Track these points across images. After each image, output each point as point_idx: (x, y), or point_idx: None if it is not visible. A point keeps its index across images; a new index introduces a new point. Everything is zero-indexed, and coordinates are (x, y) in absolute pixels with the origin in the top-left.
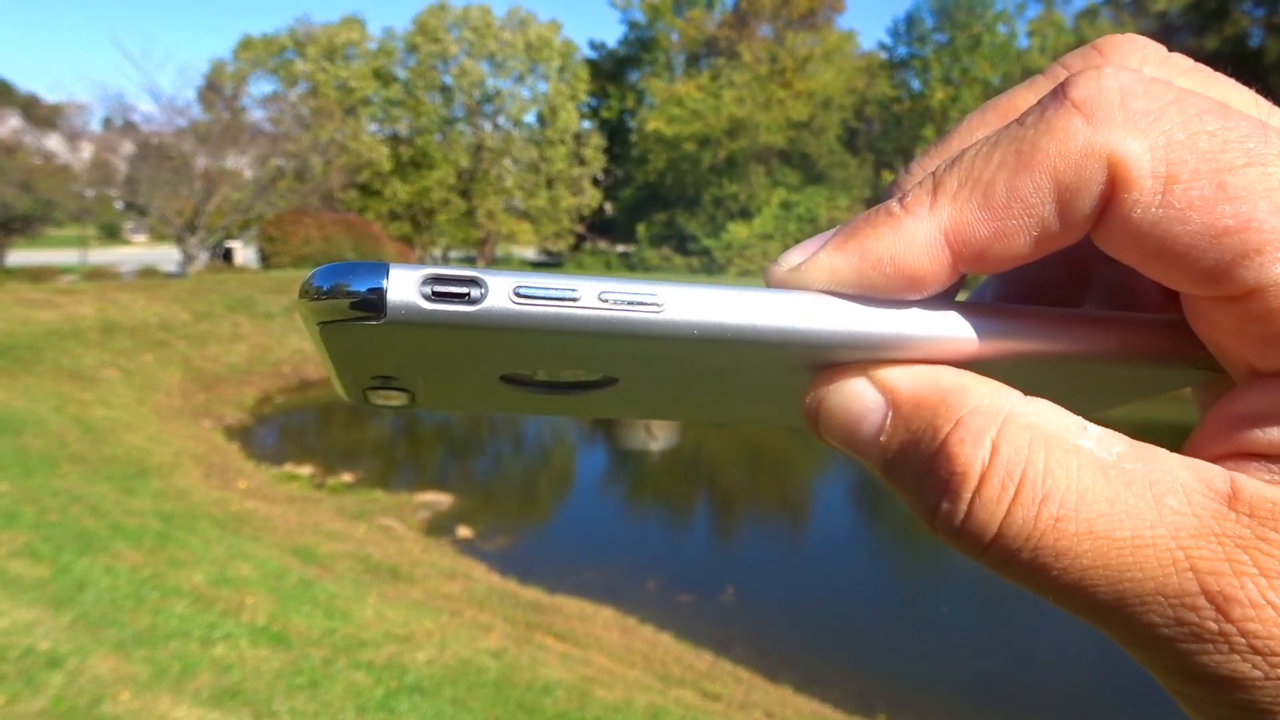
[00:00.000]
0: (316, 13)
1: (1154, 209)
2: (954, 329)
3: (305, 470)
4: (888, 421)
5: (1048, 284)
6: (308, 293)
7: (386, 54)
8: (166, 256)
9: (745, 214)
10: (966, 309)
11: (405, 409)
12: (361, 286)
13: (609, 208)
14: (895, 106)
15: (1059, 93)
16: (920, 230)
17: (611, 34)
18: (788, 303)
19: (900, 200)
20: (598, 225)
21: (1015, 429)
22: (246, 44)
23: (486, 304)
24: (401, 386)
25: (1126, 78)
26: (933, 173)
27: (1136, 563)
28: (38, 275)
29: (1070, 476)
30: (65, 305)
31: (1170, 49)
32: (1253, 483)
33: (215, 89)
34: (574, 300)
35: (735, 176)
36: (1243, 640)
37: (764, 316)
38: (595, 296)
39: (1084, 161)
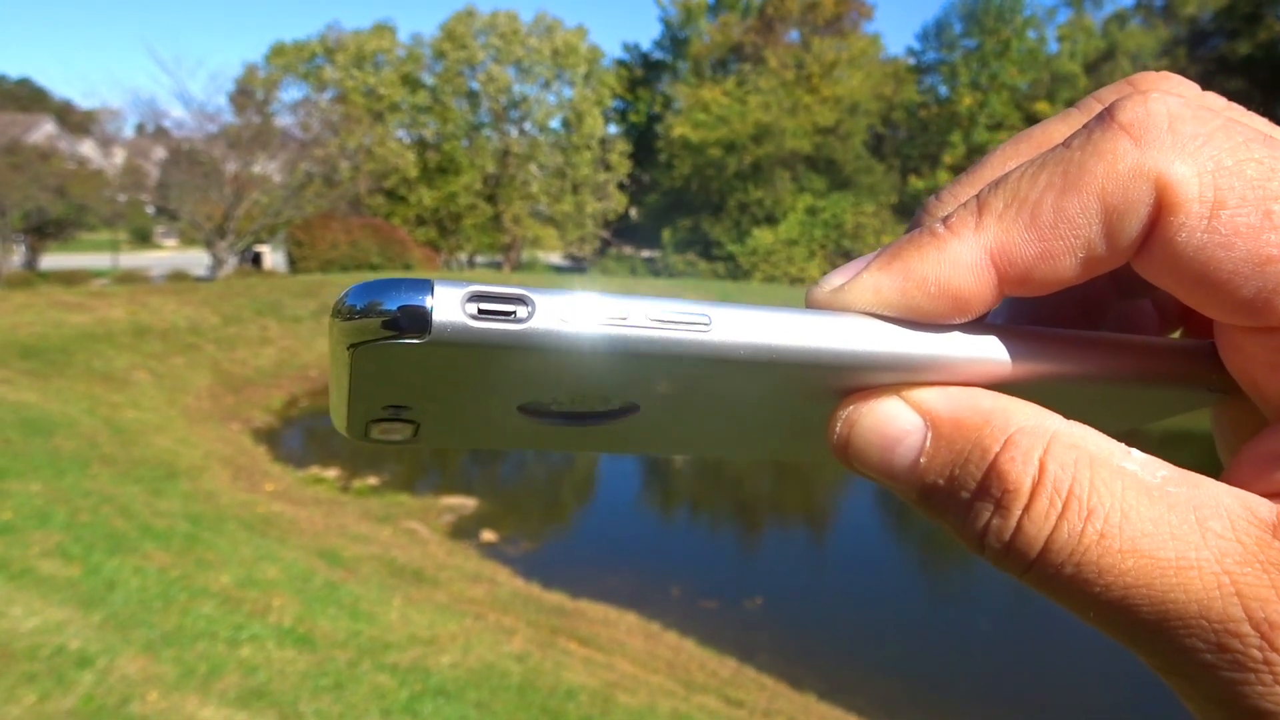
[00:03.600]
0: (347, 19)
1: (1200, 234)
2: (989, 350)
3: (331, 473)
4: (928, 443)
5: (1055, 318)
6: (340, 312)
7: (415, 60)
8: (196, 260)
9: (771, 219)
10: (998, 331)
11: (405, 444)
12: (403, 303)
13: (634, 213)
14: (922, 112)
15: (1105, 116)
16: (965, 250)
17: (644, 36)
18: (832, 324)
19: (945, 221)
20: (623, 230)
21: (1062, 448)
22: (279, 50)
23: (533, 323)
24: (411, 418)
25: (1174, 103)
26: (977, 195)
27: (1180, 584)
28: (70, 279)
29: (1115, 496)
30: (97, 308)
31: (1202, 54)
32: None
33: (247, 94)
34: (623, 321)
35: (761, 182)
36: None
37: (809, 337)
38: (644, 317)
39: (1132, 183)
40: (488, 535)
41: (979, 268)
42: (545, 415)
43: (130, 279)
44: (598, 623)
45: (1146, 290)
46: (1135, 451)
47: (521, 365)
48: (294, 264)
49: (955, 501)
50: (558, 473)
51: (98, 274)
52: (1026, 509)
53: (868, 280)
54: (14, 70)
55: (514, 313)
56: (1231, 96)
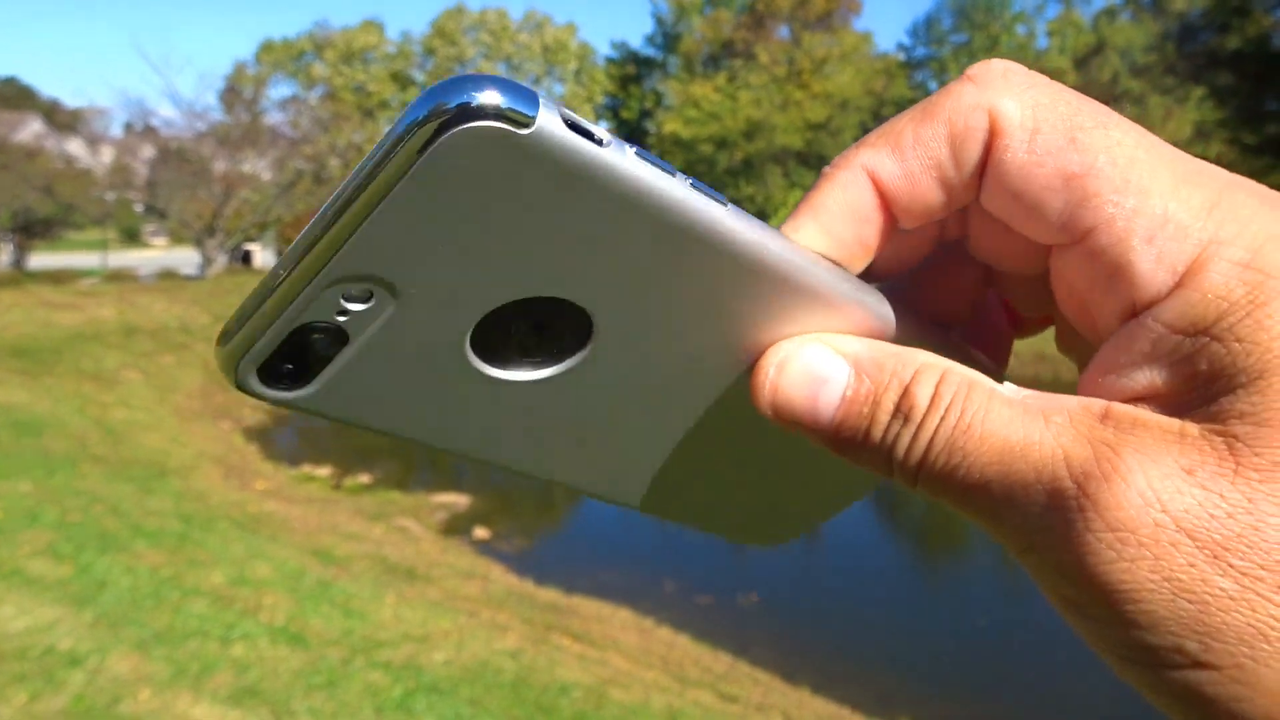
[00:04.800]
0: (335, 17)
1: (1022, 154)
2: (885, 309)
3: (323, 471)
4: (851, 379)
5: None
6: (455, 96)
7: (404, 57)
8: (186, 259)
9: (762, 216)
10: (890, 296)
11: (292, 399)
12: (513, 96)
13: None
14: None
15: (960, 74)
16: (849, 174)
17: (634, 34)
18: (799, 254)
19: (832, 163)
20: None
21: (952, 376)
22: (267, 47)
23: (609, 152)
24: (366, 300)
25: (1012, 64)
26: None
27: (1024, 457)
28: (59, 278)
29: (983, 402)
30: (86, 308)
31: (1191, 49)
32: (1123, 405)
33: (236, 92)
34: (670, 174)
35: (752, 178)
36: (1096, 514)
37: (782, 251)
38: (686, 180)
39: (972, 113)
40: (480, 532)
41: (862, 184)
42: (502, 354)
43: (119, 278)
44: (591, 619)
45: (995, 281)
46: (1008, 384)
47: (567, 200)
48: None
49: (875, 426)
50: None
51: (86, 273)
52: (924, 419)
53: (790, 224)
54: (0, 69)
55: (598, 138)
56: (1221, 91)
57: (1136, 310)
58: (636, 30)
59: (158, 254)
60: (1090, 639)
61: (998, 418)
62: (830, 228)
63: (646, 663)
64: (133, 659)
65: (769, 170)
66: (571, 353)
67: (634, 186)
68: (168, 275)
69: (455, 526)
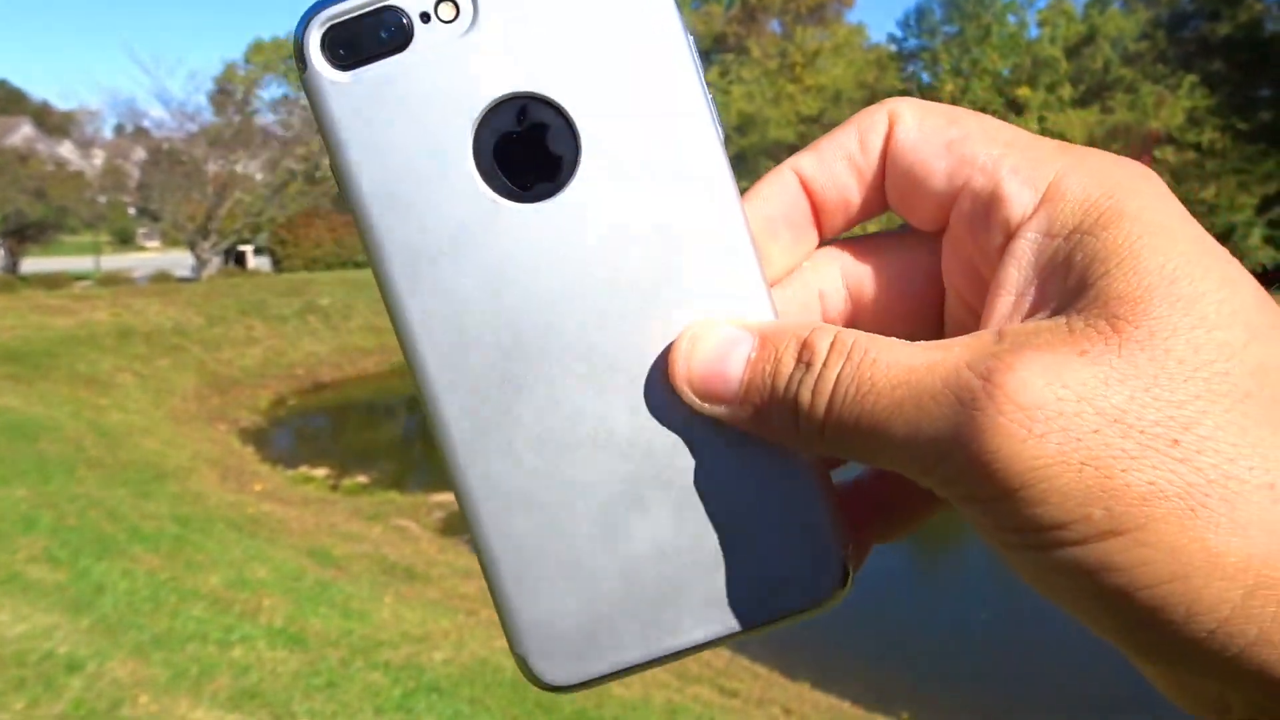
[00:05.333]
0: None
1: (913, 133)
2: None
3: (320, 472)
4: (755, 342)
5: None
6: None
7: None
8: (179, 261)
9: None
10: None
11: (329, 79)
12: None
13: None
14: None
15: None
16: (777, 174)
17: None
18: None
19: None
20: None
21: (846, 332)
22: (257, 48)
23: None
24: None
25: (911, 98)
26: None
27: (930, 373)
28: (52, 282)
29: (884, 344)
30: (80, 311)
31: (1182, 36)
32: (1015, 325)
33: (227, 92)
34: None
35: (745, 172)
36: (1004, 398)
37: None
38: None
39: (875, 113)
40: None
41: (789, 179)
42: (499, 176)
43: (113, 281)
44: None
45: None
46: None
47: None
48: (278, 263)
49: (779, 379)
50: None
51: (80, 277)
52: (826, 361)
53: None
54: None
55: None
56: (1213, 78)
57: (1013, 233)
58: None
59: (151, 256)
60: (997, 531)
61: (900, 351)
62: (762, 210)
63: None
64: (131, 663)
65: (762, 164)
66: (562, 182)
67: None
68: (161, 277)
69: (453, 525)
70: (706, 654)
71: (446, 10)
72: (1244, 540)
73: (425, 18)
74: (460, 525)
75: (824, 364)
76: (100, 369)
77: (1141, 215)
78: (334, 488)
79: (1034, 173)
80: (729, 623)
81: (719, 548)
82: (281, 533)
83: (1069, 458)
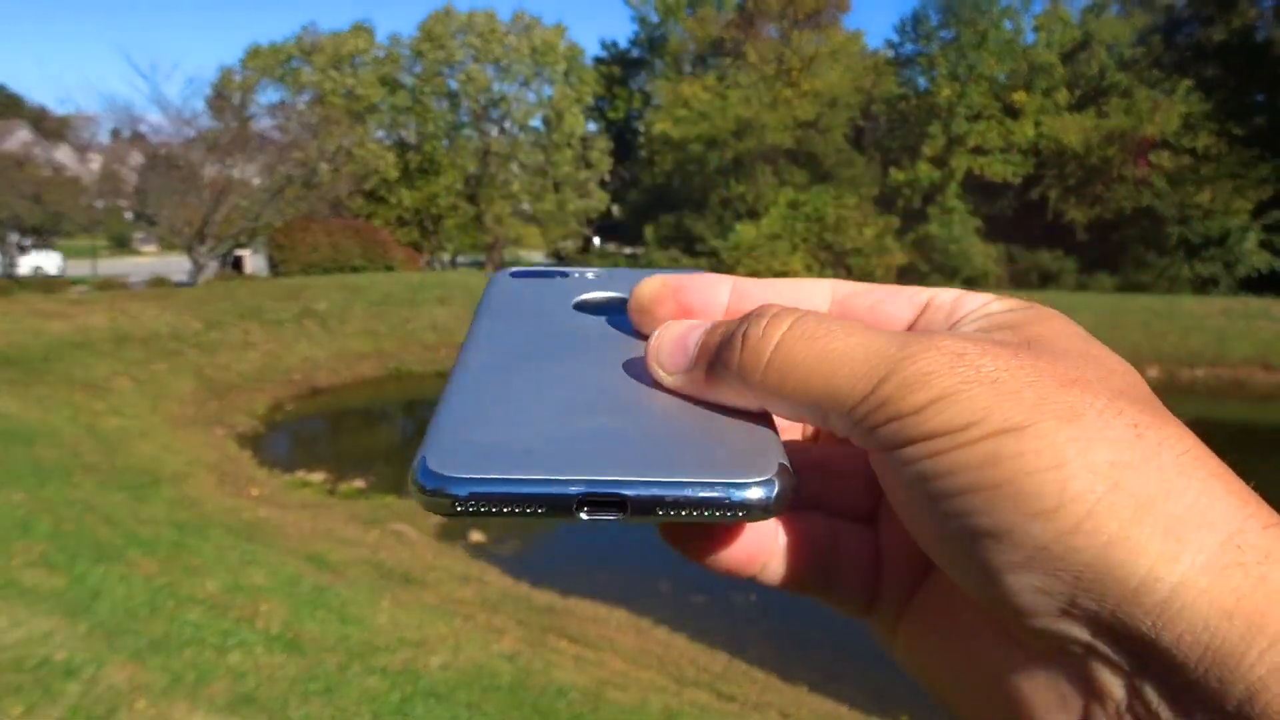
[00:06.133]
0: (324, 21)
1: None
2: None
3: (317, 477)
4: (709, 327)
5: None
6: None
7: (393, 61)
8: (176, 266)
9: (753, 214)
10: None
11: None
12: None
13: (616, 210)
14: (902, 104)
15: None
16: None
17: (622, 34)
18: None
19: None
20: (605, 228)
21: (790, 307)
22: (254, 53)
23: None
24: None
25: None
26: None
27: (854, 335)
28: (49, 286)
29: (819, 317)
30: (77, 316)
31: (1177, 42)
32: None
33: (224, 97)
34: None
35: (742, 177)
36: (920, 344)
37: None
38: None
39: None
40: (476, 535)
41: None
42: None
43: (110, 286)
44: (588, 620)
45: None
46: None
47: None
48: (275, 267)
49: (734, 335)
50: None
51: (77, 281)
52: (773, 319)
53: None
54: None
55: None
56: (1208, 83)
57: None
58: (624, 30)
59: (148, 261)
60: (865, 428)
61: (832, 321)
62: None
63: (643, 663)
64: (129, 669)
65: (759, 169)
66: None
67: None
68: (158, 282)
69: (450, 530)
70: (704, 658)
71: (585, 271)
72: (1109, 448)
73: (565, 275)
74: (456, 529)
75: (769, 323)
76: (97, 373)
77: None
78: (331, 492)
79: None
80: (646, 476)
81: (659, 434)
82: (278, 537)
83: (975, 379)
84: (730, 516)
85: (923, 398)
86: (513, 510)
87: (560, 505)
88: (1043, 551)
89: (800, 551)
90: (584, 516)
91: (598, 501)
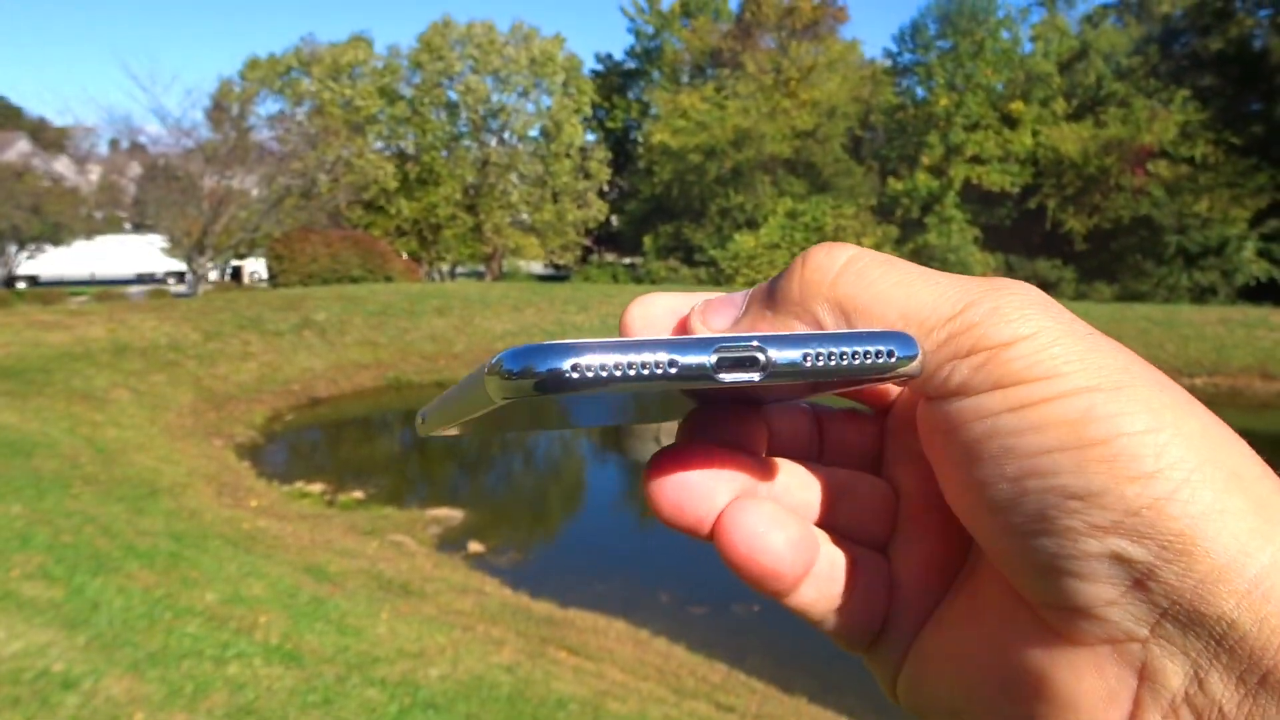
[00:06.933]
0: (322, 33)
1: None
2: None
3: (316, 487)
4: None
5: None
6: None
7: (392, 72)
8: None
9: (752, 224)
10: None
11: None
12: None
13: (615, 220)
14: (900, 114)
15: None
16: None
17: (618, 46)
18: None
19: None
20: (604, 238)
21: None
22: (253, 64)
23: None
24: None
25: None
26: None
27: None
28: (48, 297)
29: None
30: (76, 327)
31: (1174, 51)
32: None
33: (222, 109)
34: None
35: (741, 187)
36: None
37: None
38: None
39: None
40: (475, 546)
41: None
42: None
43: (109, 296)
44: (587, 631)
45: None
46: None
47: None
48: (274, 277)
49: (786, 272)
50: (544, 482)
51: (76, 292)
52: (837, 245)
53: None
54: None
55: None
56: (1205, 92)
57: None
58: (620, 41)
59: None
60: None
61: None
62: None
63: (643, 674)
64: (127, 681)
65: (758, 179)
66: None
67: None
68: (157, 293)
69: (449, 541)
70: (703, 669)
71: None
72: (1198, 419)
73: None
74: (456, 540)
75: (830, 247)
76: (96, 385)
77: None
78: (330, 503)
79: None
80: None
81: None
82: (277, 548)
83: (1069, 329)
84: (885, 366)
85: (1013, 331)
86: (637, 375)
87: (693, 363)
88: (1133, 517)
89: (859, 585)
90: (723, 378)
91: (735, 360)
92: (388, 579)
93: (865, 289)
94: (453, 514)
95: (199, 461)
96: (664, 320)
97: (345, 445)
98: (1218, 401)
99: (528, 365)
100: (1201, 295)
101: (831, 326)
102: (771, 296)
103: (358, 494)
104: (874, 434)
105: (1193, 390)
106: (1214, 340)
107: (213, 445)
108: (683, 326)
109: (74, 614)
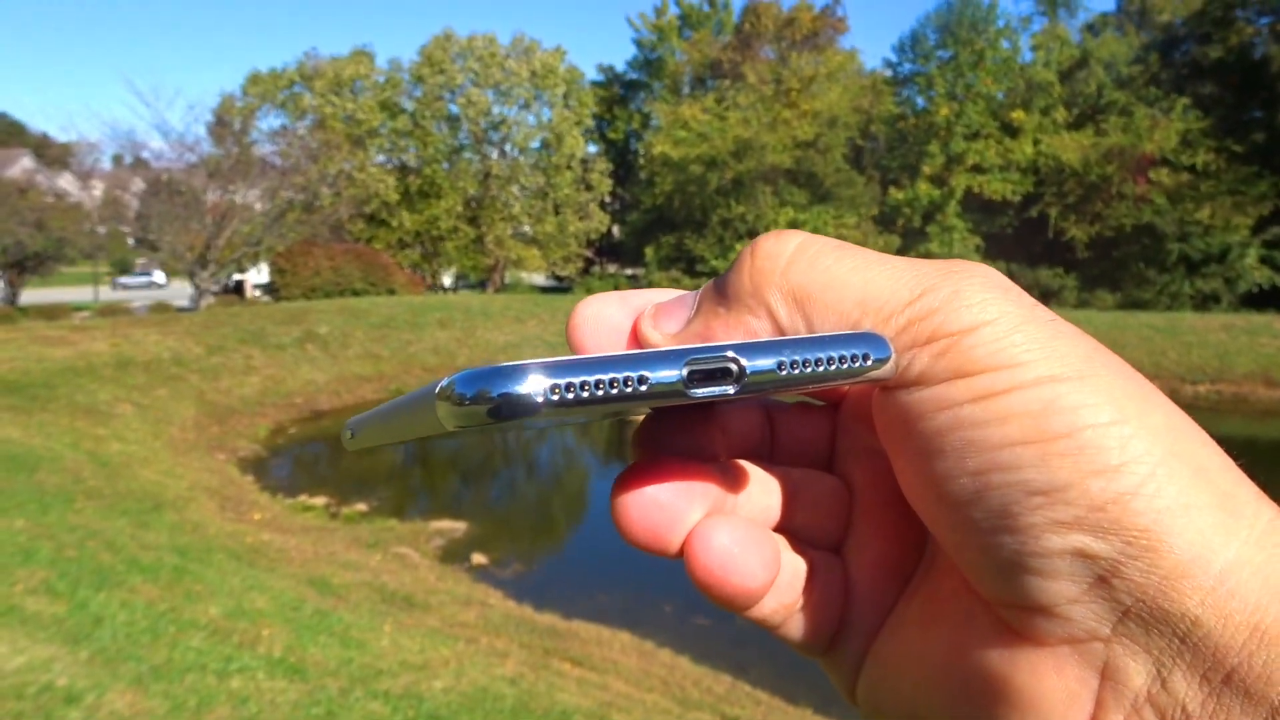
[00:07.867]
0: (324, 47)
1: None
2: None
3: (319, 500)
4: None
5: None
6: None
7: (393, 85)
8: (178, 291)
9: (753, 234)
10: None
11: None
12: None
13: (617, 231)
14: (900, 123)
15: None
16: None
17: (620, 58)
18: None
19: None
20: (606, 249)
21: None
22: (255, 79)
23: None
24: None
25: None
26: None
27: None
28: (51, 313)
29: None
30: (79, 342)
31: (1175, 59)
32: None
33: (224, 123)
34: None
35: (742, 197)
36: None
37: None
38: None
39: None
40: (478, 558)
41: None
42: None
43: (112, 311)
44: (591, 643)
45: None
46: None
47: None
48: (276, 291)
49: (734, 264)
50: (547, 493)
51: (79, 307)
52: (785, 232)
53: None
54: None
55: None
56: (1205, 100)
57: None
58: (622, 53)
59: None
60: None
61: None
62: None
63: (647, 685)
64: (130, 695)
65: (759, 189)
66: None
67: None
68: (160, 307)
69: (453, 553)
70: (708, 680)
71: None
72: (1162, 412)
73: None
74: (459, 552)
75: (777, 235)
76: (99, 399)
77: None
78: (333, 516)
79: None
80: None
81: None
82: (281, 562)
83: (1030, 316)
84: (859, 370)
85: (973, 317)
86: (605, 396)
87: (665, 380)
88: (1097, 513)
89: (823, 598)
90: (696, 394)
91: (707, 372)
92: (391, 591)
93: (819, 276)
94: (456, 526)
95: (202, 475)
96: (616, 328)
97: (348, 458)
98: (1221, 409)
99: (481, 389)
100: (1204, 302)
101: (785, 318)
102: (723, 291)
103: (361, 507)
104: (826, 429)
105: (1196, 398)
106: (1217, 347)
107: (216, 459)
108: (634, 334)
109: (77, 628)
